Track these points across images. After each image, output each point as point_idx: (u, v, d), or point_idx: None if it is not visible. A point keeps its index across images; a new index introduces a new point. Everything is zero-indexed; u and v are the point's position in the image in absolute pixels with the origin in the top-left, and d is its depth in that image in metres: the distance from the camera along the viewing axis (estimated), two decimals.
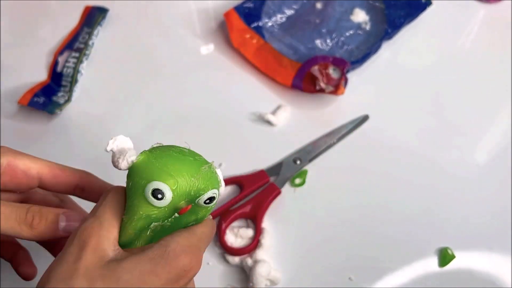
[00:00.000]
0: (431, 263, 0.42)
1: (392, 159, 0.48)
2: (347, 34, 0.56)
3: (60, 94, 0.53)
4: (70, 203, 0.36)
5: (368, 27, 0.56)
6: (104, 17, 0.58)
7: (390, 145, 0.49)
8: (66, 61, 0.55)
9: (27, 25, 0.59)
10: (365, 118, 0.50)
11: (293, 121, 0.51)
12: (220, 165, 0.48)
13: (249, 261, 0.42)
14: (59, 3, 0.61)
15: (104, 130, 0.50)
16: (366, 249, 0.43)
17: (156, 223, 0.27)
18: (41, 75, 0.55)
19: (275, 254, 0.43)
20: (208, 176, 0.28)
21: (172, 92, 0.53)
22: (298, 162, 0.47)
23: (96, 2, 0.60)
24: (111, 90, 0.53)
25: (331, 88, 0.49)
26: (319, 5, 0.58)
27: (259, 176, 0.46)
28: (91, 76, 0.54)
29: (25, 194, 0.33)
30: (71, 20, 0.59)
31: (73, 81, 0.53)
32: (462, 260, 0.42)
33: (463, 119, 0.51)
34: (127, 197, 0.27)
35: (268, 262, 0.41)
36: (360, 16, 0.57)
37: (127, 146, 0.28)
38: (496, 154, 0.49)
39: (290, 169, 0.47)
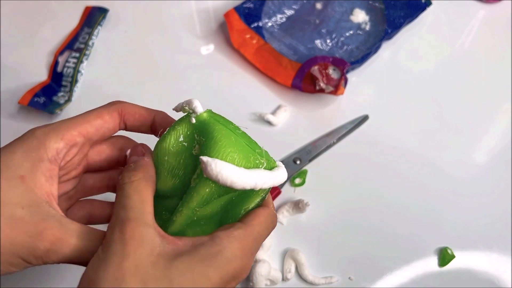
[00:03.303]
0: (431, 263, 0.42)
1: (392, 159, 0.48)
2: (347, 34, 0.56)
3: (60, 94, 0.53)
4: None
5: (368, 28, 0.56)
6: (104, 17, 0.58)
7: (390, 145, 0.49)
8: (66, 61, 0.55)
9: (27, 25, 0.59)
10: (365, 118, 0.50)
11: (293, 121, 0.51)
12: None
13: None
14: (59, 3, 0.61)
15: None
16: (366, 249, 0.43)
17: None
18: (41, 75, 0.55)
19: (275, 254, 0.43)
20: (267, 156, 0.29)
21: (172, 92, 0.53)
22: (298, 162, 0.47)
23: (96, 2, 0.60)
24: (111, 90, 0.53)
25: (331, 88, 0.49)
26: (319, 6, 0.58)
27: None
28: (91, 76, 0.55)
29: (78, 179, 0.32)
30: (71, 20, 0.59)
31: (74, 81, 0.53)
32: (462, 260, 0.42)
33: (463, 119, 0.51)
34: (171, 175, 0.29)
35: (268, 262, 0.41)
36: (360, 16, 0.57)
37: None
38: (496, 154, 0.49)
39: (290, 169, 0.47)
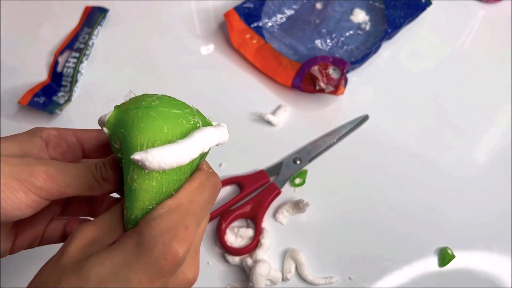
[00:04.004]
0: (431, 263, 0.42)
1: (392, 159, 0.48)
2: (347, 34, 0.56)
3: (60, 94, 0.53)
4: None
5: (368, 27, 0.56)
6: (104, 17, 0.58)
7: (390, 145, 0.49)
8: (66, 61, 0.55)
9: (27, 25, 0.59)
10: (365, 118, 0.50)
11: (293, 121, 0.51)
12: (220, 165, 0.48)
13: (249, 261, 0.42)
14: (59, 3, 0.61)
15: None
16: (366, 249, 0.43)
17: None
18: (41, 75, 0.55)
19: (275, 254, 0.43)
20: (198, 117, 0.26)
21: (172, 92, 0.52)
22: (298, 162, 0.47)
23: (96, 2, 0.60)
24: (111, 90, 0.53)
25: (331, 88, 0.49)
26: (319, 5, 0.58)
27: (259, 176, 0.46)
28: (91, 76, 0.55)
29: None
30: (71, 20, 0.59)
31: (73, 81, 0.53)
32: (462, 260, 0.42)
33: (463, 119, 0.51)
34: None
35: (268, 262, 0.41)
36: (360, 16, 0.57)
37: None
38: (496, 154, 0.49)
39: (290, 169, 0.47)
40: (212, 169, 0.27)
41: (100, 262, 0.22)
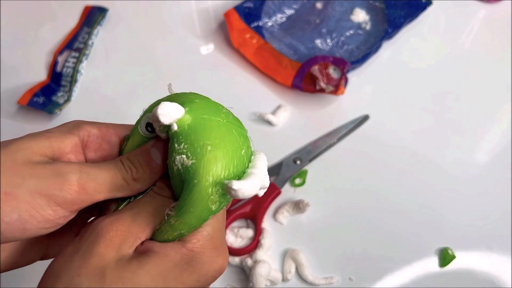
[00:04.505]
0: (432, 263, 0.42)
1: (392, 159, 0.48)
2: (347, 34, 0.56)
3: (59, 94, 0.53)
4: None
5: (368, 27, 0.56)
6: (104, 17, 0.58)
7: (390, 145, 0.49)
8: (66, 61, 0.55)
9: (27, 25, 0.59)
10: (365, 118, 0.50)
11: (293, 121, 0.51)
12: None
13: (249, 261, 0.42)
14: (59, 3, 0.61)
15: None
16: (366, 249, 0.43)
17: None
18: (40, 75, 0.55)
19: (275, 254, 0.43)
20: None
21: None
22: (298, 162, 0.47)
23: (96, 2, 0.60)
24: (111, 90, 0.53)
25: (331, 88, 0.49)
26: (319, 5, 0.58)
27: None
28: (91, 76, 0.54)
29: None
30: (71, 19, 0.59)
31: (73, 81, 0.53)
32: (462, 260, 0.42)
33: (463, 119, 0.51)
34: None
35: (268, 262, 0.41)
36: (360, 16, 0.57)
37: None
38: (496, 154, 0.49)
39: (290, 169, 0.47)
40: None
41: (145, 270, 0.22)
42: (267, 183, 0.25)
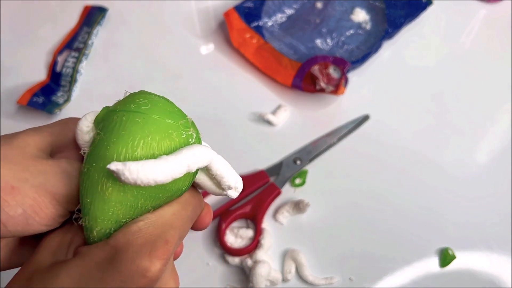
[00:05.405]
0: (432, 264, 0.42)
1: (392, 160, 0.48)
2: (348, 33, 0.55)
3: (59, 94, 0.52)
4: None
5: (368, 27, 0.56)
6: (103, 17, 0.58)
7: (390, 145, 0.49)
8: (66, 60, 0.55)
9: (26, 25, 0.59)
10: (365, 118, 0.50)
11: (293, 121, 0.51)
12: None
13: (249, 261, 0.42)
14: (59, 3, 0.61)
15: None
16: (366, 250, 0.43)
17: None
18: (40, 75, 0.54)
19: (275, 254, 0.43)
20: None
21: (171, 92, 0.52)
22: (298, 162, 0.47)
23: (96, 2, 0.60)
24: (111, 90, 0.53)
25: (331, 88, 0.49)
26: (319, 5, 0.58)
27: (259, 176, 0.46)
28: (91, 76, 0.54)
29: None
30: (71, 19, 0.59)
31: (73, 81, 0.53)
32: (462, 261, 0.42)
33: (464, 119, 0.50)
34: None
35: (268, 262, 0.41)
36: (360, 15, 0.57)
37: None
38: (496, 154, 0.48)
39: (290, 169, 0.47)
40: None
41: (66, 271, 0.21)
42: (233, 182, 0.23)
